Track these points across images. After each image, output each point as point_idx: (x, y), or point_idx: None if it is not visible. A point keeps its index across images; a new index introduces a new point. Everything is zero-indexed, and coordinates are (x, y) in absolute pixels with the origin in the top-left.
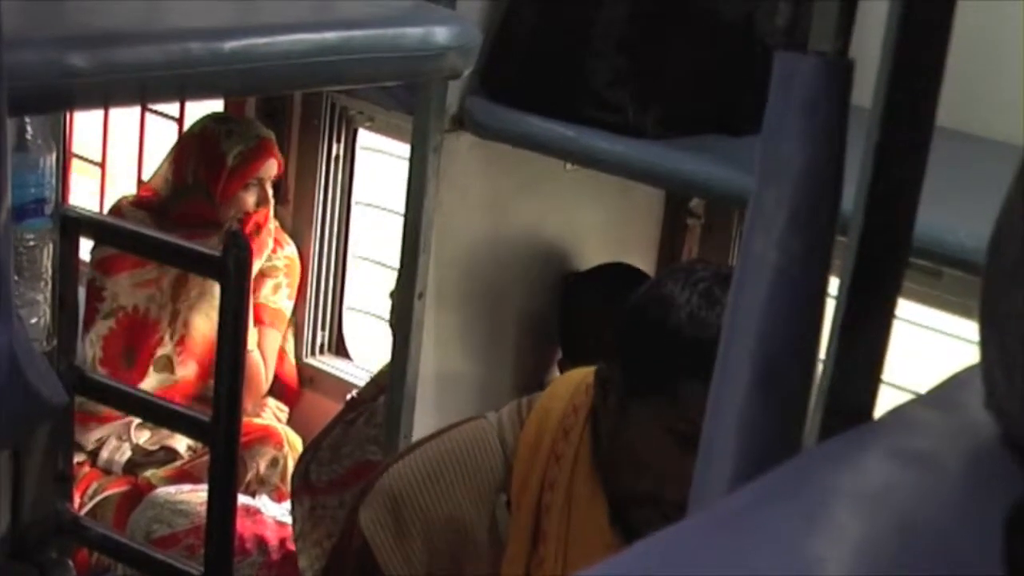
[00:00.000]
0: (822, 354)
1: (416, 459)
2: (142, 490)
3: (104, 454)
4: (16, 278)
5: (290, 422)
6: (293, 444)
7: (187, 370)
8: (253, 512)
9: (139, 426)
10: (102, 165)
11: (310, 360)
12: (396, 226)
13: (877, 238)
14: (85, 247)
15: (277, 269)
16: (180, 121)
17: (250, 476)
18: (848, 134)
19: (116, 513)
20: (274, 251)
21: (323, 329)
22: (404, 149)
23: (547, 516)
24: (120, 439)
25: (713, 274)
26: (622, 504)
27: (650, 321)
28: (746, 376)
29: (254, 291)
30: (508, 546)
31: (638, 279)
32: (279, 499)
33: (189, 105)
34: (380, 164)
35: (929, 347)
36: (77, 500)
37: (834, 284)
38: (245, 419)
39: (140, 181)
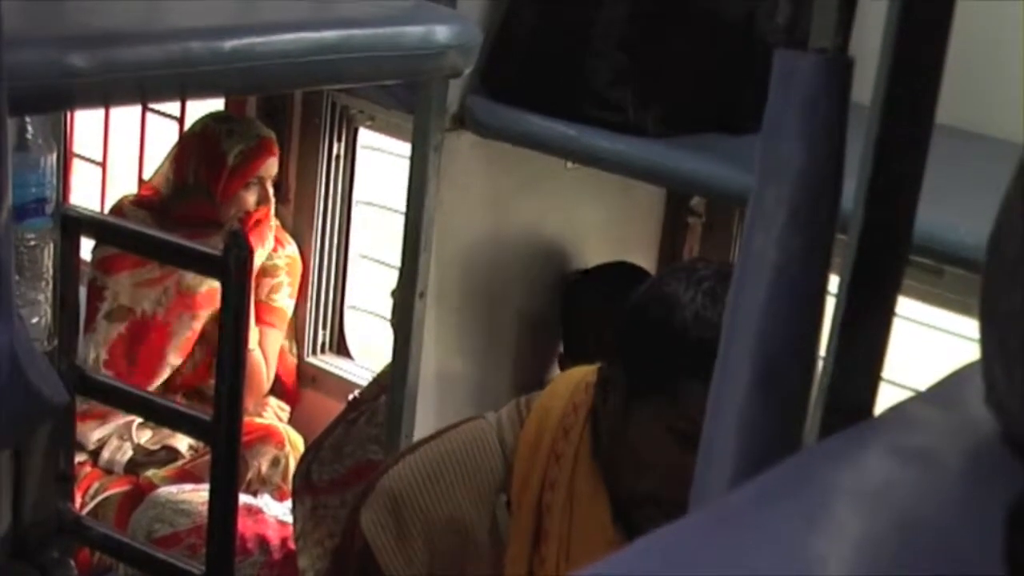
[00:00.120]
0: (822, 352)
1: (415, 460)
2: (143, 490)
3: (105, 454)
4: (17, 278)
5: (291, 421)
6: (294, 443)
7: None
8: (255, 511)
9: (140, 426)
10: (103, 164)
11: (311, 359)
12: (397, 225)
13: (877, 236)
14: (86, 247)
15: (278, 268)
16: (181, 120)
17: (251, 475)
18: (848, 131)
19: (118, 513)
20: (275, 250)
21: (324, 328)
22: (405, 148)
23: (548, 515)
24: (121, 439)
25: (716, 273)
26: (623, 503)
27: (652, 321)
28: (746, 375)
29: (255, 290)
30: (509, 547)
31: (640, 278)
32: (281, 498)
33: (190, 104)
34: (381, 163)
35: (929, 345)
36: (78, 500)
37: (834, 282)
38: (246, 418)
39: (141, 180)
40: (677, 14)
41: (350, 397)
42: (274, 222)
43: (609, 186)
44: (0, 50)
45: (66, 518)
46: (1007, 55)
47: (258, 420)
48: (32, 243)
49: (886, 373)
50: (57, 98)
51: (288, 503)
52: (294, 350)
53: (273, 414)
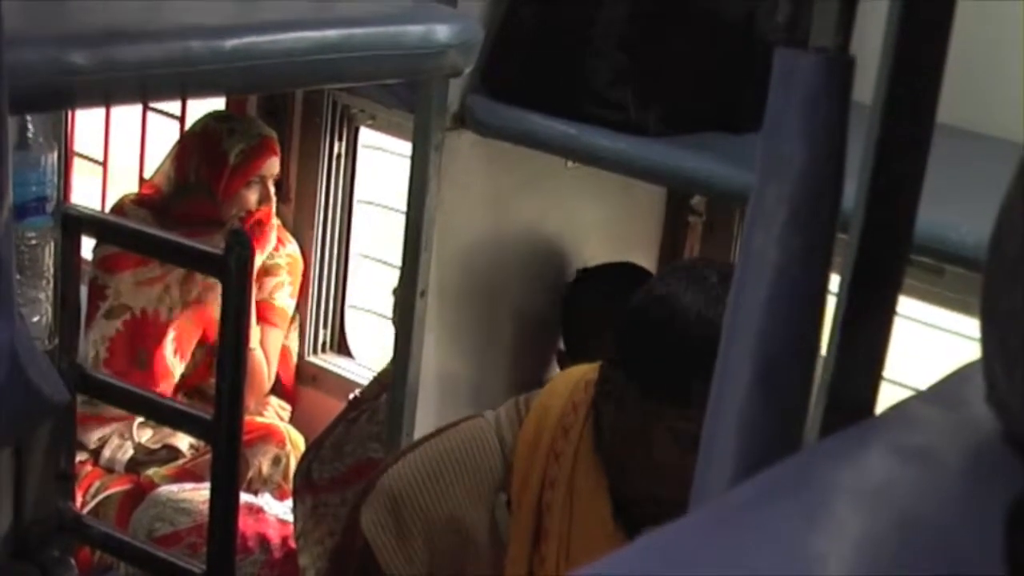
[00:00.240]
0: (823, 351)
1: (415, 459)
2: (144, 488)
3: (106, 453)
4: (18, 276)
5: (292, 420)
6: (295, 442)
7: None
8: (255, 510)
9: (141, 424)
10: (104, 163)
11: (312, 358)
12: (398, 224)
13: (878, 235)
14: (87, 245)
15: (279, 267)
16: (182, 119)
17: (252, 474)
18: (849, 131)
19: (118, 512)
20: (276, 249)
21: (325, 327)
22: (405, 147)
23: (548, 514)
24: (122, 438)
25: (716, 273)
26: (624, 500)
27: (653, 321)
28: (746, 375)
29: (256, 289)
30: (509, 546)
31: (641, 278)
32: (281, 497)
33: (191, 103)
34: (381, 162)
35: (930, 344)
36: (79, 499)
37: (835, 281)
38: (247, 417)
39: (142, 179)
40: (677, 13)
41: (351, 396)
42: (275, 221)
43: (610, 185)
44: (1, 49)
45: (67, 517)
46: (1007, 55)
47: (259, 419)
48: (33, 242)
49: (887, 372)
50: (58, 97)
51: (289, 502)
52: (295, 349)
53: (274, 413)
